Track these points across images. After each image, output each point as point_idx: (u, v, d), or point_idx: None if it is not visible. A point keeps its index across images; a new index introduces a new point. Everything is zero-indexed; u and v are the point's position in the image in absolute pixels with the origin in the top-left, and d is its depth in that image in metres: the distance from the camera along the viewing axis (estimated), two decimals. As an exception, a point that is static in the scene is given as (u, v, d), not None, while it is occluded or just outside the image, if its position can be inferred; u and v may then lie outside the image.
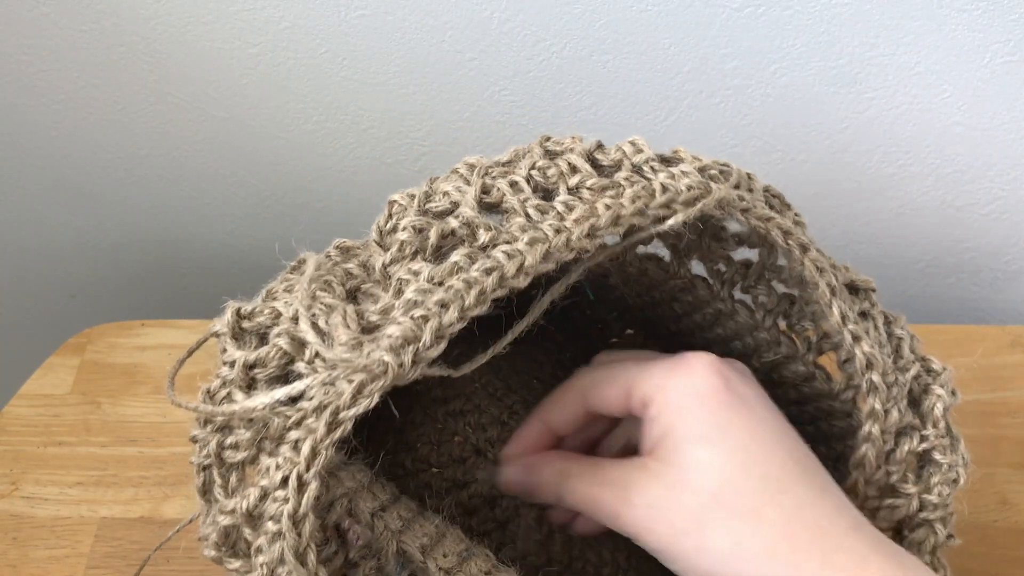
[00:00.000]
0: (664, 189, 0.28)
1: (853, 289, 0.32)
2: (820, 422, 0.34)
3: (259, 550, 0.24)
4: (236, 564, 0.26)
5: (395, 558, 0.27)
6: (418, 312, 0.24)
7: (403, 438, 0.41)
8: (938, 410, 0.31)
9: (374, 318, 0.25)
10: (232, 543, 0.26)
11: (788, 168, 0.57)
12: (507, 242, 0.26)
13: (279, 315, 0.27)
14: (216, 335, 0.28)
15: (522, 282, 0.26)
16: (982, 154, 0.54)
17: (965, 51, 0.48)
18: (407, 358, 0.24)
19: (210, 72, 0.54)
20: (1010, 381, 0.51)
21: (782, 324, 0.34)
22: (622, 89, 0.53)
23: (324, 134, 0.58)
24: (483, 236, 0.27)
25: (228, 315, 0.28)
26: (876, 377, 0.30)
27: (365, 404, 0.24)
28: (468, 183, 0.29)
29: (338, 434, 0.24)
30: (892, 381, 0.30)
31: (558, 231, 0.26)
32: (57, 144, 0.60)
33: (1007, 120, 0.52)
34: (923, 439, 0.31)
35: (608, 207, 0.27)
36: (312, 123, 0.57)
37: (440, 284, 0.26)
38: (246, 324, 0.28)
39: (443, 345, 0.24)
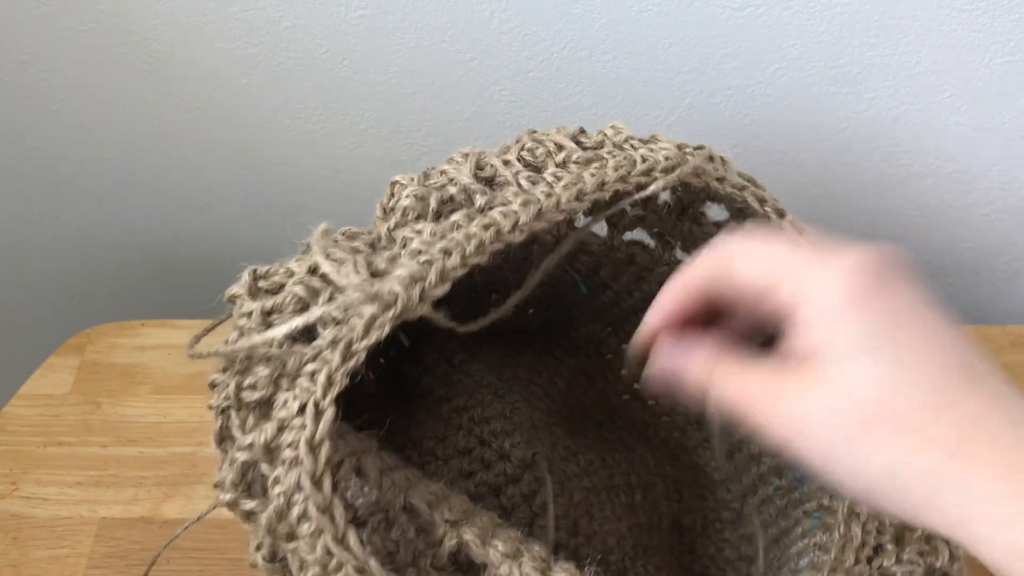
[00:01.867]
0: (644, 159, 0.30)
1: None
2: None
3: (276, 480, 0.25)
4: (251, 504, 0.26)
5: (402, 512, 0.28)
6: (423, 257, 0.27)
7: (409, 436, 0.42)
8: None
9: (382, 265, 0.27)
10: (248, 482, 0.27)
11: (788, 168, 0.57)
12: (502, 204, 0.29)
13: (293, 272, 0.29)
14: (233, 298, 0.29)
15: (517, 237, 0.28)
16: (982, 154, 0.54)
17: (965, 51, 0.48)
18: (415, 293, 0.26)
19: (210, 72, 0.54)
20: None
21: None
22: (622, 89, 0.53)
23: (324, 134, 0.58)
24: (479, 200, 0.30)
25: (245, 276, 0.29)
26: None
27: (376, 335, 0.25)
28: (464, 162, 0.32)
29: (352, 364, 0.25)
30: None
31: (548, 195, 0.29)
32: (57, 144, 0.60)
33: (1007, 120, 0.52)
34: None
35: (593, 175, 0.29)
36: (312, 123, 0.57)
37: (443, 237, 0.28)
38: (262, 283, 0.29)
39: (447, 286, 0.26)
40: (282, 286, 0.28)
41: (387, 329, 0.25)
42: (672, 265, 0.37)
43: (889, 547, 0.30)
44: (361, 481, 0.27)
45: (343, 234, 0.32)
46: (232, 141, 0.59)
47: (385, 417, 0.33)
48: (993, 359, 0.27)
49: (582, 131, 0.33)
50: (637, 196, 0.30)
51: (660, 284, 0.36)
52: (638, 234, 0.38)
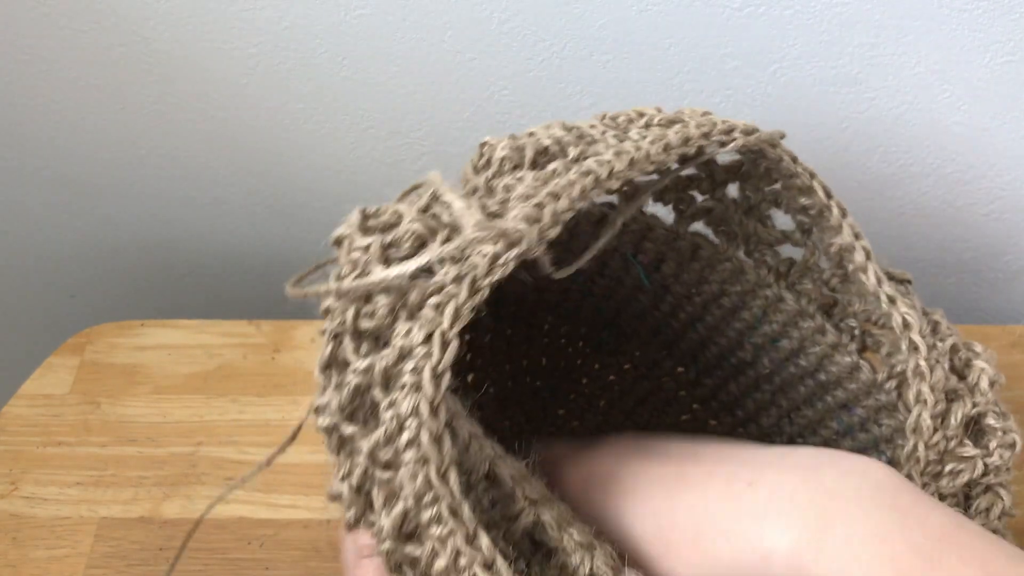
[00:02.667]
0: (724, 122, 0.31)
1: (889, 277, 0.34)
2: (869, 425, 0.35)
3: (391, 404, 0.25)
4: (351, 429, 0.26)
5: (484, 480, 0.27)
6: (535, 200, 0.27)
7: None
8: (984, 383, 0.32)
9: (495, 208, 0.28)
10: (354, 408, 0.26)
11: (788, 168, 0.57)
12: (595, 156, 0.29)
13: (401, 214, 0.28)
14: (340, 239, 0.29)
15: (614, 184, 0.28)
16: (982, 154, 0.54)
17: (965, 51, 0.48)
18: (535, 232, 0.26)
19: (210, 72, 0.54)
20: (1011, 381, 0.50)
21: (826, 319, 0.36)
22: (622, 89, 0.53)
23: (324, 134, 0.58)
24: (573, 152, 0.30)
25: (354, 215, 0.29)
26: (916, 336, 0.31)
27: (500, 272, 0.25)
28: (551, 124, 0.32)
29: (478, 299, 0.25)
30: (932, 344, 0.31)
31: (638, 148, 0.29)
32: (57, 144, 0.60)
33: (1007, 120, 0.52)
34: (974, 404, 0.31)
35: (677, 131, 0.30)
36: (312, 123, 0.57)
37: (546, 183, 0.28)
38: (372, 222, 0.29)
39: (559, 228, 0.27)
40: (392, 225, 0.28)
41: (510, 267, 0.26)
42: (735, 262, 0.37)
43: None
44: (450, 440, 0.27)
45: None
46: (232, 141, 0.59)
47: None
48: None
49: (659, 109, 0.33)
50: (718, 150, 0.31)
51: (721, 284, 0.38)
52: (703, 230, 0.39)
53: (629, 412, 0.45)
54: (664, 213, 0.38)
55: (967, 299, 0.64)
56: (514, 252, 0.25)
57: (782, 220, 0.36)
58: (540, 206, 0.26)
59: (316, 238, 0.73)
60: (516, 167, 0.30)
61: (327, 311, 0.28)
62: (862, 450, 0.36)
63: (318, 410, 0.27)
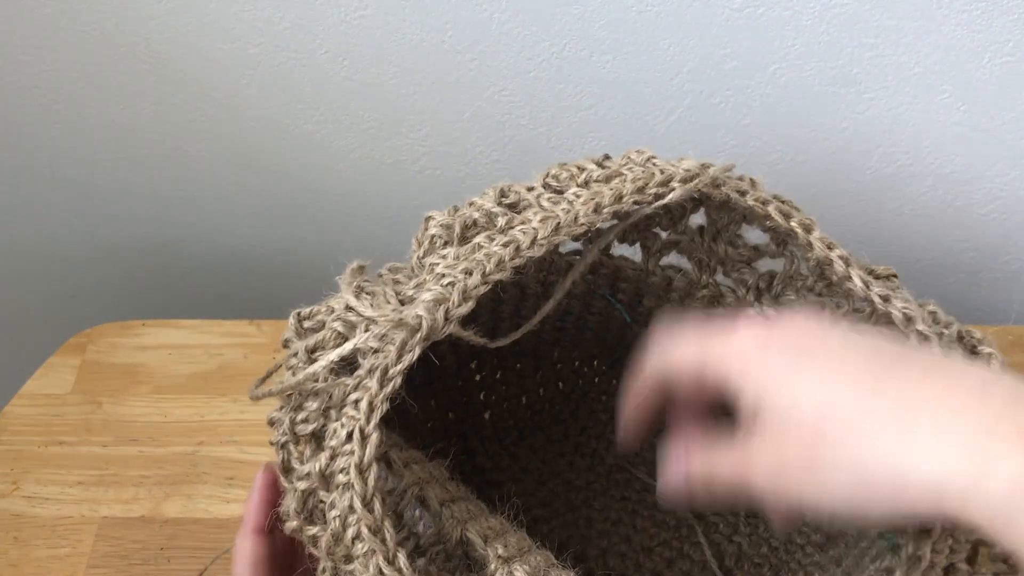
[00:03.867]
0: (663, 172, 0.31)
1: (874, 275, 0.33)
2: None
3: (332, 505, 0.27)
4: (314, 530, 0.28)
5: (459, 545, 0.29)
6: (446, 279, 0.29)
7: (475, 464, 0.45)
8: (996, 366, 0.31)
9: (410, 292, 0.30)
10: (310, 509, 0.28)
11: (788, 168, 0.57)
12: (522, 223, 0.30)
13: (333, 310, 0.30)
14: (286, 343, 0.31)
15: (536, 252, 0.29)
16: (982, 154, 0.54)
17: (965, 51, 0.48)
18: (439, 315, 0.27)
19: (210, 72, 0.54)
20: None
21: None
22: (622, 89, 0.53)
23: (324, 134, 0.58)
24: (501, 221, 0.31)
25: (291, 320, 0.32)
26: (922, 327, 0.30)
27: (409, 359, 0.27)
28: (490, 192, 0.33)
29: (390, 389, 0.27)
30: (939, 332, 0.31)
31: (567, 211, 0.30)
32: (57, 144, 0.60)
33: (1007, 120, 0.52)
34: None
35: (612, 188, 0.30)
36: (312, 123, 0.57)
37: (465, 258, 0.30)
38: (307, 323, 0.31)
39: (470, 304, 0.28)
40: (324, 323, 0.30)
41: (418, 351, 0.27)
42: (711, 288, 0.37)
43: (962, 567, 0.30)
44: (424, 511, 0.29)
45: (388, 269, 0.34)
46: (232, 141, 0.59)
47: (453, 447, 0.34)
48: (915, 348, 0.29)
49: (607, 156, 0.34)
50: (655, 205, 0.31)
51: (704, 310, 0.37)
52: (676, 259, 0.38)
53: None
54: (633, 252, 0.38)
55: (967, 299, 0.64)
56: (417, 338, 0.27)
57: (756, 234, 0.35)
58: (450, 285, 0.28)
59: (316, 238, 0.73)
60: (446, 243, 0.31)
61: (271, 422, 0.30)
62: None
63: (283, 516, 0.29)
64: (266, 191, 0.63)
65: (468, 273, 0.28)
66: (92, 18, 0.52)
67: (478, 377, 0.44)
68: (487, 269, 0.28)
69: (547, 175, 0.33)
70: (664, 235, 0.37)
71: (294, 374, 0.29)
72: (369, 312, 0.28)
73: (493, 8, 0.49)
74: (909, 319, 0.30)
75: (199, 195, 0.63)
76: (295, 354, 0.30)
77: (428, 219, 0.33)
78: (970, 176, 0.55)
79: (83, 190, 0.64)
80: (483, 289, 0.28)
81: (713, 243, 0.36)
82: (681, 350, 0.31)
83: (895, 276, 0.33)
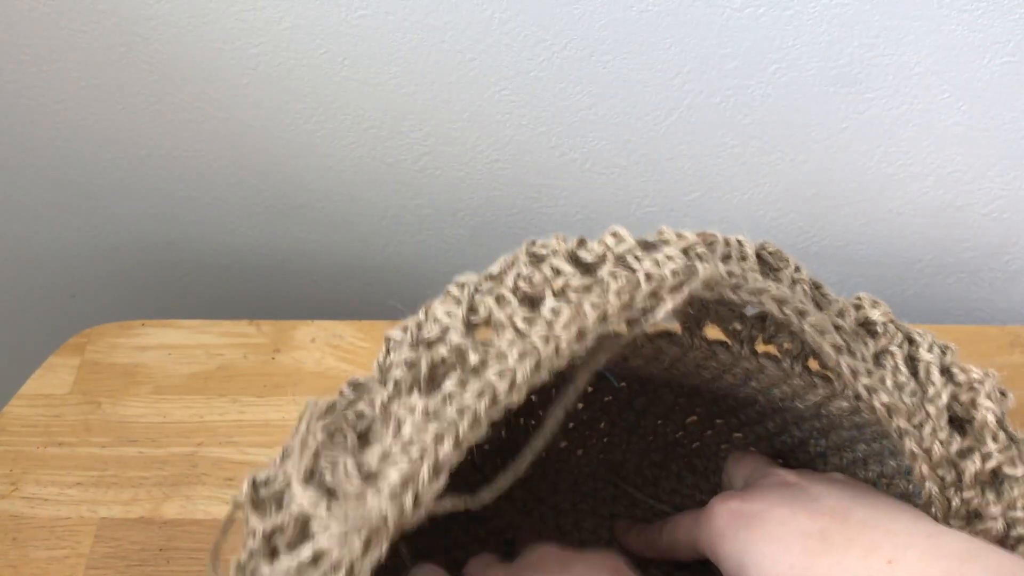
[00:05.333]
0: (648, 278, 0.28)
1: (869, 327, 0.32)
2: (885, 440, 0.35)
3: None
4: None
5: None
6: (415, 450, 0.25)
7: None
8: (991, 422, 0.31)
9: (374, 465, 0.26)
10: None
11: (788, 168, 0.57)
12: (497, 358, 0.27)
13: (290, 484, 0.27)
14: (238, 505, 0.28)
15: (516, 398, 0.26)
16: (982, 154, 0.54)
17: (965, 51, 0.48)
18: (407, 500, 0.24)
19: (210, 72, 0.54)
20: (1010, 381, 0.50)
21: (814, 366, 0.34)
22: (622, 89, 0.53)
23: (324, 134, 0.58)
24: (473, 358, 0.27)
25: (245, 487, 0.28)
26: (902, 423, 0.30)
27: (377, 553, 0.24)
28: (458, 304, 0.30)
29: None
30: (922, 419, 0.30)
31: (547, 340, 0.26)
32: (57, 144, 0.60)
33: (1007, 120, 0.52)
34: (985, 457, 0.30)
35: (594, 306, 0.27)
36: (312, 123, 0.57)
37: (435, 416, 0.26)
38: (263, 492, 0.28)
39: (442, 479, 0.25)
40: (283, 494, 0.27)
41: (386, 544, 0.24)
42: (704, 349, 0.35)
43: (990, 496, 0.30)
44: None
45: (349, 385, 0.31)
46: (232, 141, 0.59)
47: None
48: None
49: (582, 243, 0.31)
50: (646, 325, 0.28)
51: (696, 365, 0.36)
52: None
53: (632, 427, 0.44)
54: None
55: (967, 299, 0.64)
56: (384, 534, 0.24)
57: None
58: (419, 459, 0.24)
59: (316, 238, 0.73)
60: (412, 387, 0.28)
61: None
62: (878, 455, 0.36)
63: None
64: (266, 191, 0.62)
65: (439, 440, 0.25)
66: (92, 18, 0.52)
67: None
68: (460, 432, 0.25)
69: (518, 275, 0.30)
70: None
71: (251, 557, 0.26)
72: (323, 515, 0.25)
73: (493, 8, 0.49)
74: (892, 413, 0.30)
75: (199, 195, 0.63)
76: (252, 534, 0.27)
77: (388, 340, 0.30)
78: (970, 176, 0.55)
79: (82, 190, 0.64)
80: (456, 457, 0.25)
81: (704, 306, 0.34)
82: (678, 535, 0.38)
83: (892, 321, 0.32)
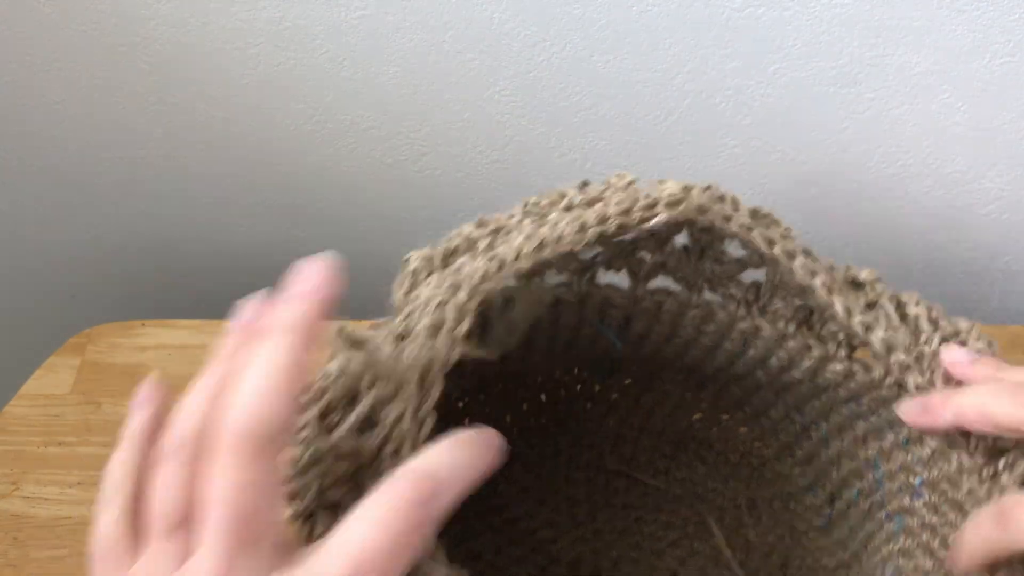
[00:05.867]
0: (647, 196, 0.31)
1: (857, 284, 0.33)
2: (881, 410, 0.35)
3: None
4: None
5: None
6: (436, 300, 0.28)
7: (470, 550, 0.43)
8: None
9: (400, 327, 0.28)
10: None
11: (788, 168, 0.57)
12: (505, 239, 0.30)
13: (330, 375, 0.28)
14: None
15: (523, 265, 0.29)
16: (982, 154, 0.54)
17: (965, 51, 0.48)
18: (441, 342, 0.26)
19: (210, 72, 0.54)
20: (1010, 381, 0.51)
21: (805, 331, 0.35)
22: (622, 89, 0.53)
23: (324, 134, 0.58)
24: (483, 244, 0.30)
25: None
26: (902, 356, 0.31)
27: (434, 395, 0.26)
28: (469, 224, 0.33)
29: (426, 431, 0.25)
30: (920, 354, 0.31)
31: (553, 229, 0.29)
32: (57, 144, 0.60)
33: (1007, 120, 0.52)
34: None
35: (596, 211, 0.30)
36: (312, 123, 0.57)
37: (450, 276, 0.29)
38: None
39: (467, 321, 0.27)
40: (324, 391, 0.28)
41: (438, 385, 0.26)
42: (702, 307, 0.37)
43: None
44: None
45: (372, 326, 0.32)
46: (232, 141, 0.59)
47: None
48: None
49: (586, 182, 0.33)
50: (641, 228, 0.31)
51: (694, 329, 0.37)
52: (662, 281, 0.38)
53: (641, 426, 0.45)
54: (620, 279, 0.37)
55: (967, 299, 0.64)
56: (436, 370, 0.26)
57: (739, 245, 0.35)
58: (441, 305, 0.27)
59: (316, 238, 0.73)
60: (429, 274, 0.30)
61: (293, 496, 0.27)
62: (877, 430, 0.36)
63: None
64: (266, 191, 0.62)
65: (455, 288, 0.28)
66: (92, 18, 0.52)
67: (460, 404, 0.42)
68: (474, 282, 0.28)
69: (526, 204, 0.33)
70: (650, 258, 0.36)
71: (308, 446, 0.27)
72: (367, 359, 0.26)
73: (493, 8, 0.49)
74: (890, 348, 0.31)
75: (198, 195, 0.63)
76: (303, 426, 0.27)
77: (406, 260, 0.33)
78: (970, 176, 0.55)
79: (82, 190, 0.64)
80: (473, 304, 0.27)
81: (699, 262, 0.36)
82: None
83: (879, 280, 0.33)
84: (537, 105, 0.54)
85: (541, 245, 0.29)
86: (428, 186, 0.61)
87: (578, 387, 0.45)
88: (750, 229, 0.32)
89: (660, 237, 0.35)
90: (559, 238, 0.29)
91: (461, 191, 0.61)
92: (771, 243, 0.32)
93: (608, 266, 0.36)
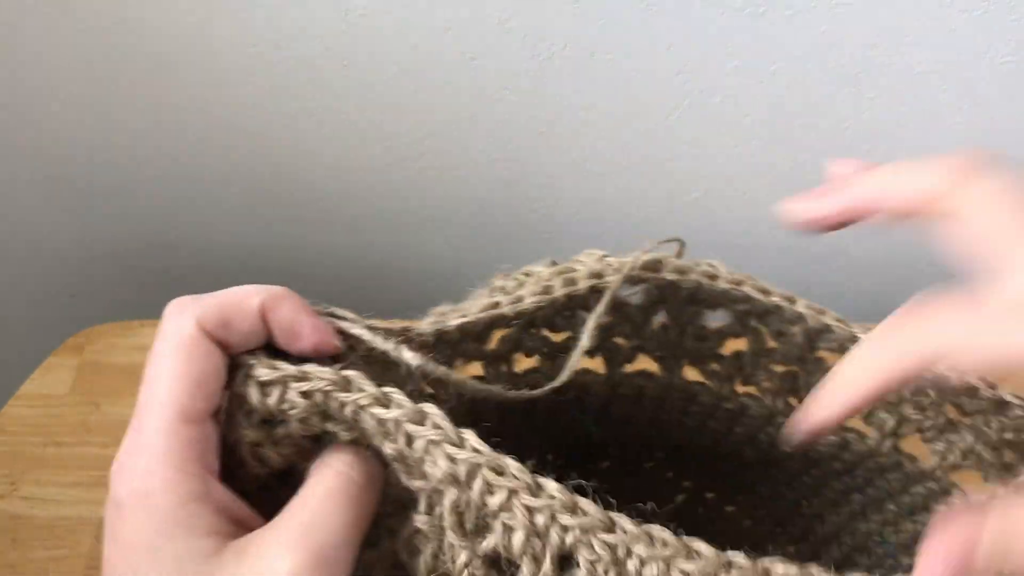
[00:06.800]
0: (620, 263, 0.30)
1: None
2: (876, 481, 0.34)
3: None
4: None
5: None
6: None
7: None
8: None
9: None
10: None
11: (788, 168, 0.57)
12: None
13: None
14: None
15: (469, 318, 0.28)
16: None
17: (965, 51, 0.48)
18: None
19: (210, 72, 0.54)
20: (1008, 381, 0.51)
21: (794, 402, 0.33)
22: (622, 89, 0.53)
23: (324, 134, 0.58)
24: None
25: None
26: (908, 409, 0.30)
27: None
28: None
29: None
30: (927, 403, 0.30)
31: (536, 283, 0.29)
32: (57, 144, 0.60)
33: (1007, 120, 0.52)
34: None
35: (563, 277, 0.29)
36: (312, 123, 0.57)
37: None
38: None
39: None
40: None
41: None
42: (685, 389, 0.34)
43: None
44: None
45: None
46: (232, 141, 0.59)
47: None
48: None
49: (553, 263, 0.32)
50: (622, 275, 0.29)
51: (679, 411, 0.35)
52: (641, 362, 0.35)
53: (620, 510, 0.43)
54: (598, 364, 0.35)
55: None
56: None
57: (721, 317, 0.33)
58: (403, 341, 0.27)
59: (316, 238, 0.73)
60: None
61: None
62: (875, 501, 0.35)
63: None
64: (266, 191, 0.62)
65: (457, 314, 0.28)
66: (92, 18, 0.52)
67: None
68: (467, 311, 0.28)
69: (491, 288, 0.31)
70: (626, 344, 0.34)
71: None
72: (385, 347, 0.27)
73: (493, 8, 0.49)
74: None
75: (199, 195, 0.63)
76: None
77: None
78: (970, 176, 0.55)
79: (82, 190, 0.64)
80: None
81: (680, 337, 0.33)
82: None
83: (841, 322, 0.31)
84: (537, 105, 0.54)
85: (539, 292, 0.28)
86: (428, 186, 0.60)
87: (553, 476, 0.43)
88: (739, 284, 0.30)
89: (636, 320, 0.33)
90: (546, 289, 0.28)
91: (461, 191, 0.61)
92: (766, 292, 0.30)
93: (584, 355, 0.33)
